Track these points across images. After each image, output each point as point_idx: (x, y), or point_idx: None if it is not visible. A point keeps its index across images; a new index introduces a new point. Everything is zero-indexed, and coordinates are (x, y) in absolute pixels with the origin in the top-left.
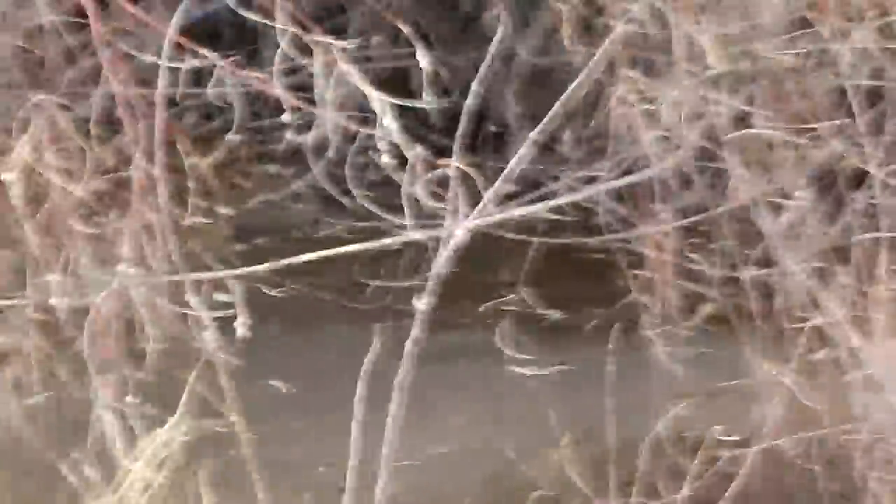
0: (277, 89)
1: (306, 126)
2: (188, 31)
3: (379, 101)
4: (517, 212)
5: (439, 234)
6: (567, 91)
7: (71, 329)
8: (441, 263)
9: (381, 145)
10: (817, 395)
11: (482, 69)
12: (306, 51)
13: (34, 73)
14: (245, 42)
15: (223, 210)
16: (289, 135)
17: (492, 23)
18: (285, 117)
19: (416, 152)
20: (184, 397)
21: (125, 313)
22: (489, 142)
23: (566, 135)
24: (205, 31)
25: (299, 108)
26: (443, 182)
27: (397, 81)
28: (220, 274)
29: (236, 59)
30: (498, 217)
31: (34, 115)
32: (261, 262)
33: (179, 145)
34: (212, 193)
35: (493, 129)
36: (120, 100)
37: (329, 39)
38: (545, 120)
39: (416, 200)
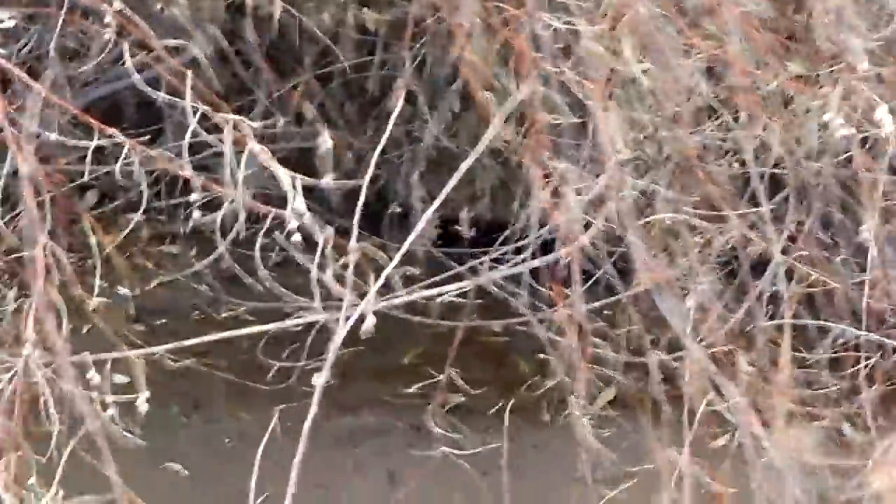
0: (186, 169)
1: (212, 206)
2: (88, 109)
3: (288, 181)
4: (422, 294)
5: (341, 315)
6: (458, 170)
7: None
8: (338, 341)
9: (291, 226)
10: (720, 482)
11: (379, 147)
12: (212, 130)
13: None
14: (148, 120)
15: (124, 290)
16: (195, 215)
17: (396, 105)
18: (192, 197)
19: (325, 233)
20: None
21: (26, 394)
22: (394, 223)
23: (462, 216)
24: (107, 109)
25: (207, 189)
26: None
27: (301, 163)
28: (121, 354)
29: (141, 138)
30: (401, 300)
31: None
32: (161, 343)
33: (87, 223)
34: (113, 274)
35: (398, 210)
36: (25, 177)
37: (239, 118)
38: (439, 198)
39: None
